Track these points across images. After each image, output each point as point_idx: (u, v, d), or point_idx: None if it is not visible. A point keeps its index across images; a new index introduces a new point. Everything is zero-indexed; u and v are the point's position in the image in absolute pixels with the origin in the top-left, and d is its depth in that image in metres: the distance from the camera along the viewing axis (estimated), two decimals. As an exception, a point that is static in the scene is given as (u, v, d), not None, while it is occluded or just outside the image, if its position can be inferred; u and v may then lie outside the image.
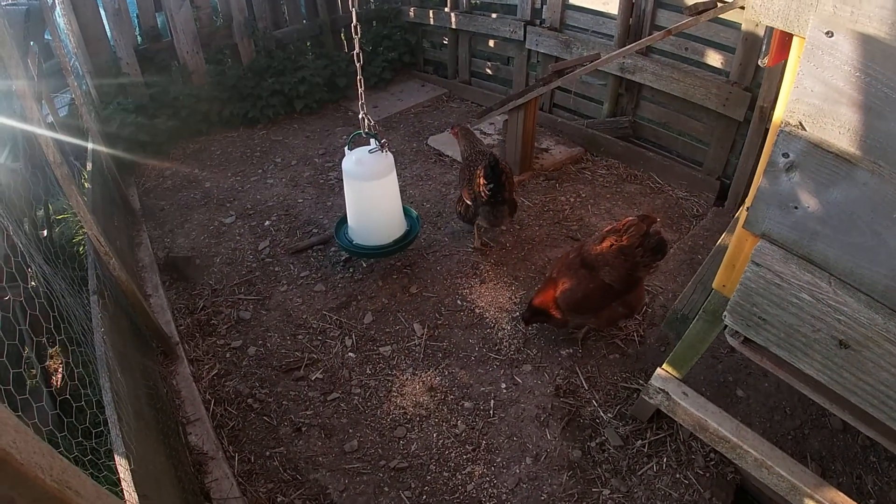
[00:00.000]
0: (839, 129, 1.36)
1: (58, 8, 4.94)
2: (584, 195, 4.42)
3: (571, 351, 3.11)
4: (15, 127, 2.99)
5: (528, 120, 4.27)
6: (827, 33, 1.30)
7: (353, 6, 2.87)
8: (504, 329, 3.23)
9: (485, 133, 5.19)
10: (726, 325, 1.85)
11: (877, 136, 1.33)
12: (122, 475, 1.75)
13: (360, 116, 3.19)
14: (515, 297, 3.44)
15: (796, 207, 1.48)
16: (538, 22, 5.28)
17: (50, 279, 2.74)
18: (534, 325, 3.15)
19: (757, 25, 3.71)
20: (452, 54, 6.31)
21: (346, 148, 3.33)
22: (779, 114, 1.47)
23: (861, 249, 1.44)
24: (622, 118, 4.91)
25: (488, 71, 6.11)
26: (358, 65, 3.03)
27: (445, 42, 6.35)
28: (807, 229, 1.49)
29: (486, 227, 3.81)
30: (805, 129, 1.39)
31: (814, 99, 1.37)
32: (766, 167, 1.46)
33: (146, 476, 1.93)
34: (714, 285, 1.90)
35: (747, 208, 1.60)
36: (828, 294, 1.51)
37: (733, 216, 4.14)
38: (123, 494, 1.69)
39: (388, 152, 3.27)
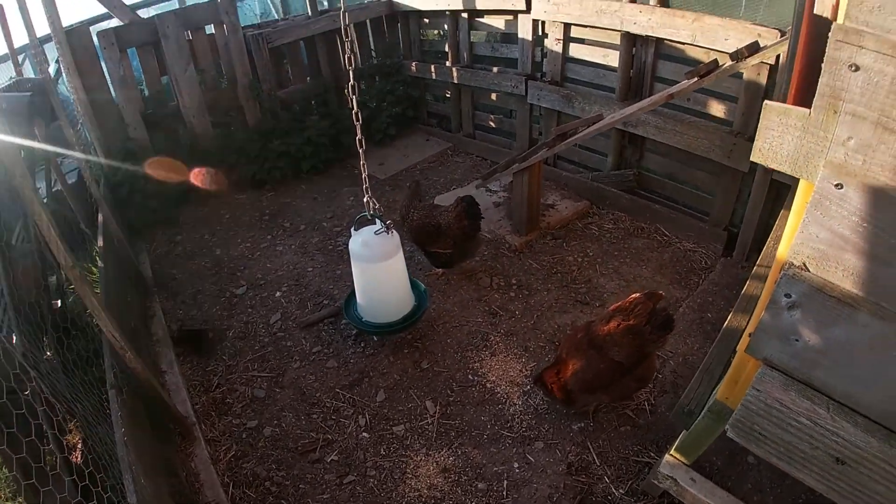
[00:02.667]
0: (843, 273, 1.39)
1: (63, 76, 5.06)
2: (591, 254, 4.45)
3: (583, 425, 3.11)
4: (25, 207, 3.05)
5: (532, 181, 4.32)
6: (837, 185, 1.33)
7: (352, 93, 2.96)
8: (515, 404, 3.24)
9: (491, 191, 5.24)
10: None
11: (881, 282, 1.36)
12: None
13: (364, 200, 3.25)
14: (526, 370, 3.46)
15: (797, 340, 1.52)
16: (539, 76, 5.35)
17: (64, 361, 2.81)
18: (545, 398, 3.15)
19: (759, 74, 3.76)
20: (455, 108, 6.40)
21: (352, 229, 3.39)
22: (782, 253, 1.51)
23: (859, 379, 1.48)
24: (627, 171, 4.95)
25: (492, 124, 6.19)
26: (361, 150, 3.14)
27: (448, 95, 6.44)
28: (807, 359, 1.53)
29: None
30: (809, 271, 1.43)
31: (819, 244, 1.40)
32: (768, 303, 1.50)
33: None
34: (718, 397, 1.94)
35: (749, 334, 1.63)
36: (826, 420, 1.55)
37: (741, 267, 4.17)
38: None
39: (394, 232, 3.33)
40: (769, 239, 3.17)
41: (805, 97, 1.39)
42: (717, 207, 4.41)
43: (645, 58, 4.46)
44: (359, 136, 3.15)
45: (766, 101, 1.40)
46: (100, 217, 4.24)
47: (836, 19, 1.36)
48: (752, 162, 3.90)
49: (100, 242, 3.98)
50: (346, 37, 2.85)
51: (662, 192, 4.87)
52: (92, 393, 2.77)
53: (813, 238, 1.40)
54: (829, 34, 1.17)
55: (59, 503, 2.25)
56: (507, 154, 5.72)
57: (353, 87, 3.03)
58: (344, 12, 2.85)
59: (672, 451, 2.47)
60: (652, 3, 4.19)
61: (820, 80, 1.26)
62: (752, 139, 3.91)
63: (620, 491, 2.78)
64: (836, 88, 1.25)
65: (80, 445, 2.99)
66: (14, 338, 2.64)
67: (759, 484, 2.73)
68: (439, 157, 6.31)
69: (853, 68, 1.20)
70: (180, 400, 3.39)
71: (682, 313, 3.81)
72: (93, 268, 4.01)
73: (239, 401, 3.46)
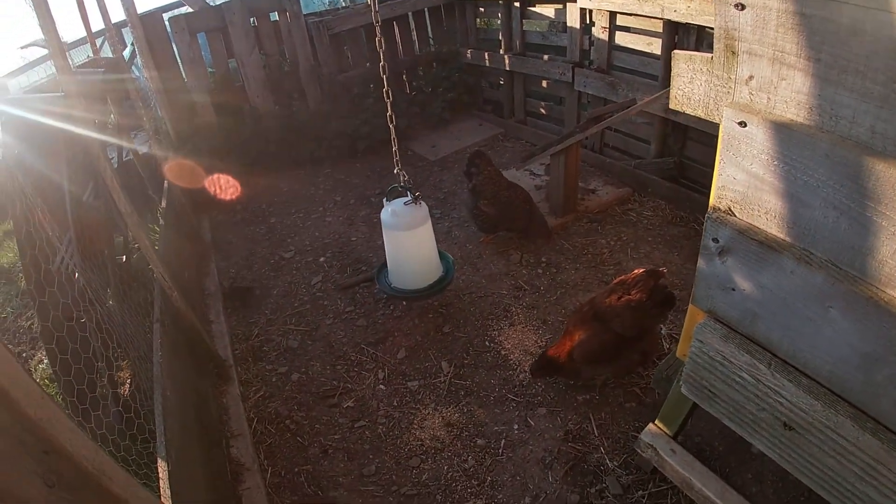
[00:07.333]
0: (766, 216, 1.39)
1: (137, 59, 5.57)
2: (625, 238, 4.48)
3: (588, 397, 3.19)
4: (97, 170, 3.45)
5: (569, 164, 4.40)
6: (740, 123, 1.33)
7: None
8: (526, 371, 3.36)
9: (535, 174, 5.36)
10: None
11: (804, 224, 1.33)
12: (160, 474, 2.10)
13: (395, 171, 3.48)
14: (541, 341, 3.57)
15: (734, 289, 1.52)
16: (587, 63, 5.42)
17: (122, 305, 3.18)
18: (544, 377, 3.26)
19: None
20: (508, 94, 6.53)
21: (384, 199, 3.62)
22: (711, 199, 1.54)
23: (800, 334, 1.43)
24: (668, 159, 4.93)
25: (542, 111, 6.29)
26: (392, 126, 3.44)
27: (502, 82, 6.59)
28: (746, 310, 1.53)
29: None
30: (734, 215, 1.45)
31: (738, 186, 1.42)
32: (701, 249, 1.55)
33: (182, 478, 2.24)
34: (678, 354, 1.96)
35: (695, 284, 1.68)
36: (766, 377, 1.52)
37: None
38: (160, 490, 2.04)
39: (423, 203, 3.53)
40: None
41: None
42: (761, 199, 4.33)
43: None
44: (389, 113, 3.46)
45: (674, 51, 1.45)
46: (165, 183, 4.68)
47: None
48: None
49: (163, 204, 4.41)
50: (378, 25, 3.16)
51: (703, 181, 4.81)
52: (145, 338, 3.13)
53: (731, 180, 1.42)
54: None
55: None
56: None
57: (383, 67, 3.32)
58: (376, 10, 3.12)
59: (656, 421, 2.48)
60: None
61: (715, 23, 1.28)
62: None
63: (614, 463, 2.83)
64: (728, 29, 1.26)
65: (129, 381, 3.39)
66: (76, 276, 3.03)
67: (761, 475, 2.69)
68: (490, 140, 6.45)
69: (739, 7, 1.21)
70: (222, 345, 3.74)
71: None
72: (156, 227, 4.44)
73: (274, 349, 3.78)
